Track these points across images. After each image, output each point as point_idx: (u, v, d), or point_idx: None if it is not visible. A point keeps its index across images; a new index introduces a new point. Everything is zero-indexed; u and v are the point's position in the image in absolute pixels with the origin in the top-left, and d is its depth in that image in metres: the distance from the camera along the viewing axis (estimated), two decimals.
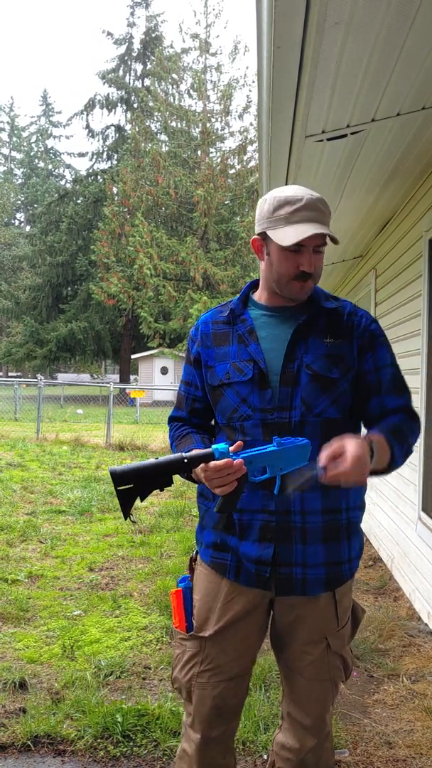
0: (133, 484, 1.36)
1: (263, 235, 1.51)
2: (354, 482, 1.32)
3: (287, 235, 1.43)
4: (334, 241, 1.44)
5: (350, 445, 1.29)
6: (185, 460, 1.36)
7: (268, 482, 1.43)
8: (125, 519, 1.40)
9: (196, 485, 1.62)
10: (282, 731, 1.65)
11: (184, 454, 1.37)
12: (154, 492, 1.37)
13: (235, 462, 1.34)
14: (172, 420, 1.73)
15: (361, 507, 1.60)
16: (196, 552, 1.67)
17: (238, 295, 1.64)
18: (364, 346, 1.54)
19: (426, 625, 3.48)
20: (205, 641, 1.55)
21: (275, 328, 1.55)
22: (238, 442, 1.40)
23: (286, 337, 1.52)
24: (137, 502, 1.40)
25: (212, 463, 1.34)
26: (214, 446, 1.37)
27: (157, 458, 1.38)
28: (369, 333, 1.56)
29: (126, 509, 1.38)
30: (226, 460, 1.35)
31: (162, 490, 1.40)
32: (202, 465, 1.36)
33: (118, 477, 1.35)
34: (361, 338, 1.54)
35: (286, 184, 3.00)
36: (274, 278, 1.52)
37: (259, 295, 1.61)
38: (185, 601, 1.59)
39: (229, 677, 1.56)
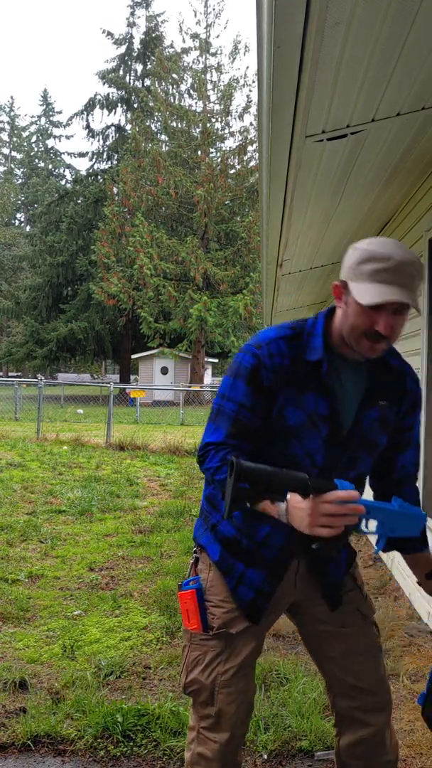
0: (250, 485, 1.24)
1: (344, 284, 1.41)
2: None
3: (366, 293, 1.33)
4: (417, 309, 1.36)
5: None
6: (308, 480, 1.24)
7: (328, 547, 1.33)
8: (226, 518, 1.35)
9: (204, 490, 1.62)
10: (347, 731, 1.64)
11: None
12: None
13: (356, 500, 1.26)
14: (215, 446, 1.46)
15: None
16: (196, 554, 1.65)
17: (315, 326, 1.49)
18: (407, 410, 1.57)
19: (426, 624, 3.48)
20: (233, 638, 1.54)
21: (347, 383, 1.49)
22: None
23: (355, 394, 1.50)
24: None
25: (337, 492, 1.25)
26: (336, 480, 1.28)
27: (280, 468, 1.27)
28: (414, 397, 1.59)
29: (232, 509, 1.25)
30: (351, 491, 1.25)
31: (273, 502, 1.31)
32: (317, 494, 1.26)
33: (240, 471, 1.23)
34: (407, 402, 1.57)
35: (287, 184, 2.99)
36: (347, 330, 1.42)
37: (333, 338, 1.48)
38: (200, 602, 1.57)
39: (250, 669, 1.58)
